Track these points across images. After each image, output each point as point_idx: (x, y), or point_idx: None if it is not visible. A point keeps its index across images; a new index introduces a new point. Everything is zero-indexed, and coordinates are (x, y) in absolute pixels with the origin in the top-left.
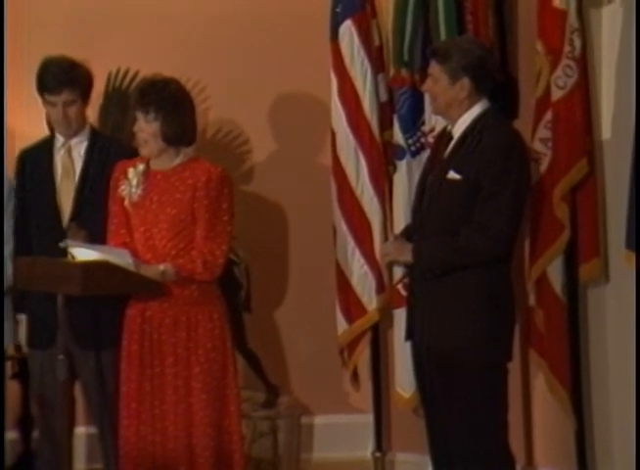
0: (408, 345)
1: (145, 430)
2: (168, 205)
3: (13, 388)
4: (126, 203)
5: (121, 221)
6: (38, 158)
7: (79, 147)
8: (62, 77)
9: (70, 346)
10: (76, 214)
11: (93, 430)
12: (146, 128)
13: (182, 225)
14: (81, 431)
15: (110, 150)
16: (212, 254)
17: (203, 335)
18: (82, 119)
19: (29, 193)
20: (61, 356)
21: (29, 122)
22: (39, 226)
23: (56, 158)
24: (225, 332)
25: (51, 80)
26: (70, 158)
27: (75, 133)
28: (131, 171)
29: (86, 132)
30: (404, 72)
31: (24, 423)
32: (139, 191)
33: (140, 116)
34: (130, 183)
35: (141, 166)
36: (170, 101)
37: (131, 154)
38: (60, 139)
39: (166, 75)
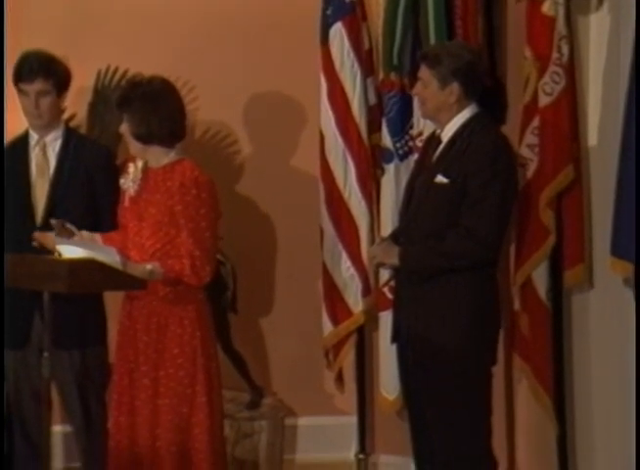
0: (393, 347)
1: (124, 422)
2: (151, 204)
3: None
4: (126, 197)
5: (119, 213)
6: (14, 156)
7: (54, 144)
8: (36, 67)
9: (47, 345)
10: (50, 214)
11: (69, 428)
12: (124, 128)
13: (159, 226)
14: (57, 429)
15: (84, 149)
16: (200, 259)
17: (170, 339)
18: (55, 113)
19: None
20: (46, 354)
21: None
22: (13, 225)
23: (31, 156)
24: (195, 339)
25: (26, 69)
26: (45, 156)
27: (48, 128)
28: (131, 166)
29: (61, 130)
30: (393, 76)
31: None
32: (135, 186)
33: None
34: (129, 178)
35: (140, 163)
36: (139, 99)
37: (105, 153)
38: (34, 136)
39: (150, 74)
